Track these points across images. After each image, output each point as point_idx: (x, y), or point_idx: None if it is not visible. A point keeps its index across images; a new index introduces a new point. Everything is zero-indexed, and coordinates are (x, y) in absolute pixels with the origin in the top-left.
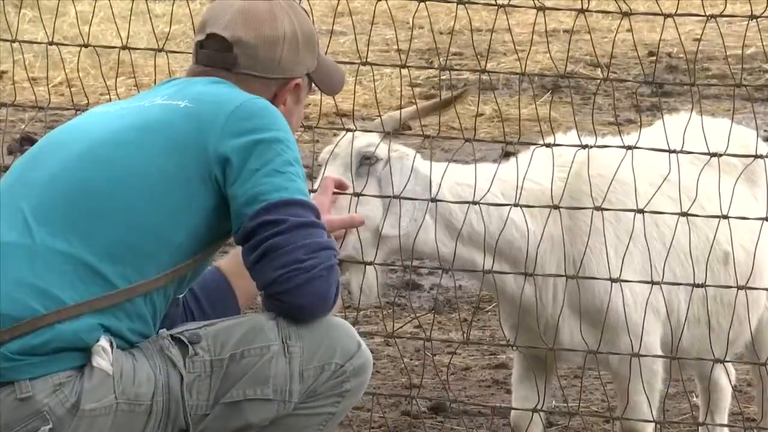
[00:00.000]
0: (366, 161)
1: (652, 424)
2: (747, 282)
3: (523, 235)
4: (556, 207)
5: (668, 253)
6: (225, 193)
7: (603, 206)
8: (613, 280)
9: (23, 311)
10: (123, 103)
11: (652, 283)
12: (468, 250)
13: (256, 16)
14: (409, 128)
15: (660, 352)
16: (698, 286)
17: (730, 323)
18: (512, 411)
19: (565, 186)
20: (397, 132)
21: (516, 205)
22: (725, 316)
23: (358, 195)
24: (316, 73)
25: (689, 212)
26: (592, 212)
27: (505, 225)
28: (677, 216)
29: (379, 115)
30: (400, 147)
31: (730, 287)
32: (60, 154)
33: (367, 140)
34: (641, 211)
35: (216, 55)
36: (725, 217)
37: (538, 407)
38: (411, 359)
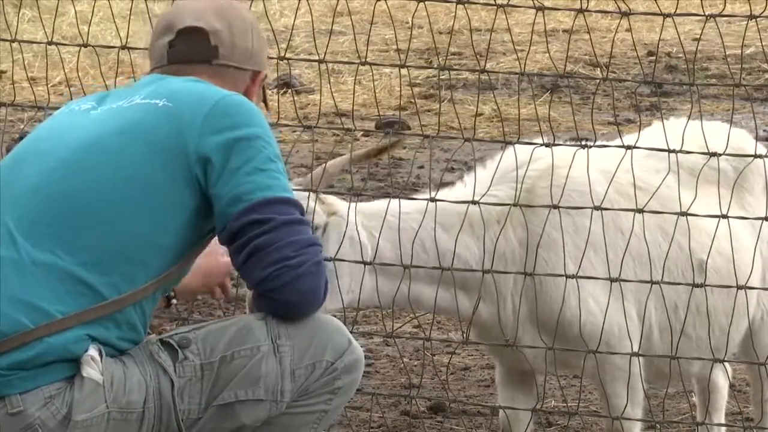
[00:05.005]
0: None
1: (639, 424)
2: (741, 288)
3: (466, 263)
4: (556, 207)
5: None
6: (207, 193)
7: (603, 207)
8: (612, 280)
9: (12, 326)
10: (100, 100)
11: (651, 282)
12: (414, 286)
13: (222, 8)
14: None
15: (638, 359)
16: (698, 285)
17: (708, 332)
18: (500, 412)
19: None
20: (397, 133)
21: (515, 205)
22: (703, 326)
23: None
24: None
25: (688, 212)
26: (545, 224)
27: (453, 256)
28: (673, 219)
29: (379, 115)
30: (337, 209)
31: (730, 287)
32: (41, 162)
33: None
34: (641, 211)
35: (194, 48)
36: (724, 216)
37: (530, 408)
38: (410, 359)
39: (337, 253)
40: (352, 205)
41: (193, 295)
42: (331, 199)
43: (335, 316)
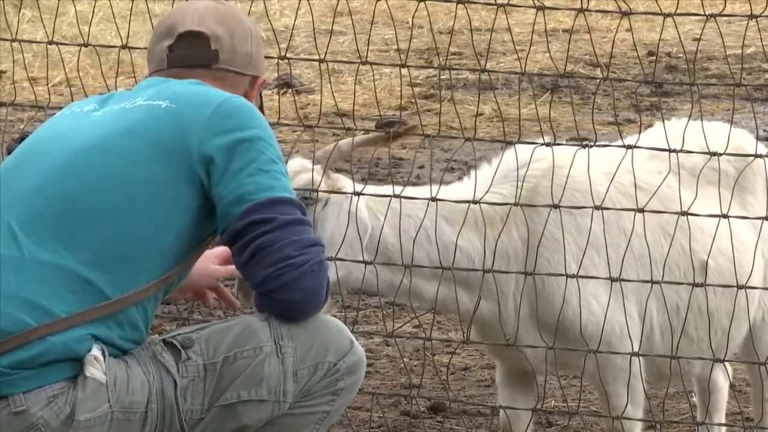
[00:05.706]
0: (305, 201)
1: (640, 424)
2: (738, 289)
3: (469, 256)
4: (556, 206)
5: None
6: (209, 193)
7: (603, 206)
8: (613, 280)
9: (14, 325)
10: (102, 102)
11: (652, 282)
12: (415, 279)
13: (223, 13)
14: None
15: (639, 359)
16: (698, 285)
17: (709, 333)
18: (500, 412)
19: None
20: (396, 132)
21: (516, 204)
22: (704, 327)
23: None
24: None
25: (689, 212)
26: (545, 223)
27: (455, 252)
28: (674, 218)
29: (379, 115)
30: (342, 185)
31: (731, 286)
32: (43, 163)
33: (306, 178)
34: (641, 211)
35: (194, 52)
36: (725, 216)
37: (530, 408)
38: (410, 359)
39: (347, 229)
40: (359, 186)
41: (181, 295)
42: (337, 176)
43: (335, 316)
